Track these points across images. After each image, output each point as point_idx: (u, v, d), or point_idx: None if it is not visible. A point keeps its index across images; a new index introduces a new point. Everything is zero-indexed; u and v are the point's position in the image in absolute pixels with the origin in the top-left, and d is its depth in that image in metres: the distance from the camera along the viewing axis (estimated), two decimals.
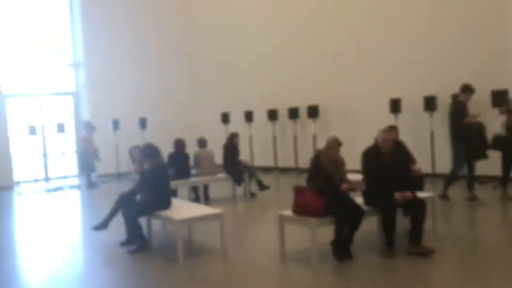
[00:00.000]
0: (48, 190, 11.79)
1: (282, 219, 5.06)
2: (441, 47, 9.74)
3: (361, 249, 5.04)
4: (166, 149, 7.34)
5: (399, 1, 10.42)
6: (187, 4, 15.73)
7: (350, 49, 11.45)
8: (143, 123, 13.33)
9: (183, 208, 5.79)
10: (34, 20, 14.01)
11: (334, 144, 4.86)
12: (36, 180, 12.92)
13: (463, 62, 9.38)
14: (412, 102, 10.14)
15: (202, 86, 15.70)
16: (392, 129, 5.05)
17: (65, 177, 12.86)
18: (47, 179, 13.49)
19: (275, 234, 5.46)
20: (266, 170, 12.87)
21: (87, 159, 12.24)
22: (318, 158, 4.89)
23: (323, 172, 4.82)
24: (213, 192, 9.59)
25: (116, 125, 13.00)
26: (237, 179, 8.97)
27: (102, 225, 6.27)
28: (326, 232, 4.88)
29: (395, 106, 10.18)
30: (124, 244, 6.11)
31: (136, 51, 14.79)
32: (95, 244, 6.27)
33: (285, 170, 12.77)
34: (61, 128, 12.28)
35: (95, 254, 5.88)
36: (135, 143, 6.90)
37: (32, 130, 11.71)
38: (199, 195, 8.88)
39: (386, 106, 10.39)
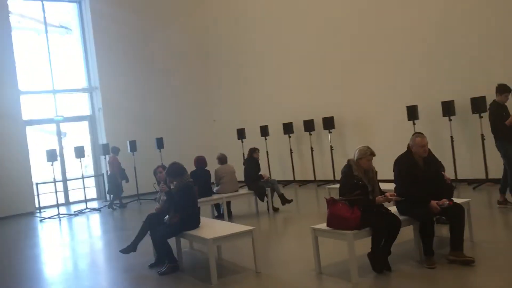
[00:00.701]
0: (70, 214, 11.79)
1: (315, 233, 4.97)
2: (457, 51, 9.67)
3: (399, 259, 4.93)
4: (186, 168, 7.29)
5: (412, 8, 10.38)
6: (199, 23, 15.88)
7: (362, 58, 11.43)
8: (160, 143, 13.35)
9: (212, 227, 5.73)
10: (50, 49, 14.21)
11: (366, 153, 4.78)
12: (57, 205, 12.92)
13: (479, 65, 9.30)
14: (429, 108, 10.05)
15: (216, 104, 15.76)
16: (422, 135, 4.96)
17: (85, 201, 12.85)
18: (68, 203, 13.54)
19: (306, 248, 5.39)
20: (285, 183, 12.80)
21: (116, 181, 12.34)
22: (349, 168, 4.82)
23: (356, 183, 4.74)
24: (235, 208, 9.54)
25: (133, 146, 13.03)
26: (260, 194, 8.91)
27: (131, 248, 6.23)
28: (360, 244, 4.79)
29: (412, 113, 10.09)
30: (153, 265, 6.05)
31: (150, 72, 14.93)
32: (123, 267, 6.22)
33: (304, 183, 12.67)
34: (79, 152, 12.31)
35: (125, 277, 5.82)
36: (158, 164, 6.87)
37: (52, 156, 11.77)
38: (222, 212, 8.84)
39: (402, 113, 10.31)
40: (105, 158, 13.00)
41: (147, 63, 14.92)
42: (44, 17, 14.32)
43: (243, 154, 13.26)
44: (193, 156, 14.09)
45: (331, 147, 11.88)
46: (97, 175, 14.25)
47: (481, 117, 8.91)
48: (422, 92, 10.26)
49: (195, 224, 5.77)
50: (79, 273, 6.47)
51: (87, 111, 14.84)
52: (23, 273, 6.69)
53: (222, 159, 9.08)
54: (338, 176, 11.48)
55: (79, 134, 15.03)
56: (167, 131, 14.32)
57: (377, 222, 4.66)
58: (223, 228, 5.63)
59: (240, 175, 9.31)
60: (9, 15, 13.28)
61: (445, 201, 4.76)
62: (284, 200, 9.09)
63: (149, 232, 6.24)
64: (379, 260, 4.70)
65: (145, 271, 5.94)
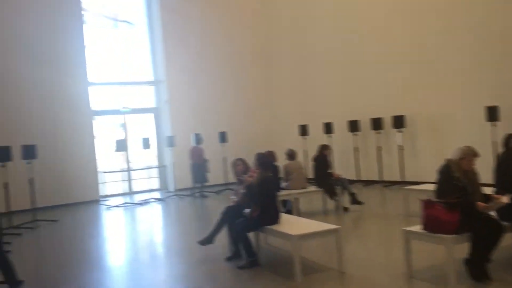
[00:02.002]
0: (135, 204, 12.06)
1: (408, 235, 4.76)
2: None
3: (499, 267, 4.62)
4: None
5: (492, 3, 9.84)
6: (263, 19, 15.79)
7: (437, 55, 10.95)
8: (223, 137, 13.40)
9: (293, 223, 5.63)
10: (117, 42, 14.59)
11: (470, 154, 4.51)
12: (124, 194, 13.28)
13: None
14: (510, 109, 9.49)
15: (279, 99, 15.62)
16: None
17: (150, 191, 13.12)
18: (132, 193, 13.86)
19: (389, 250, 5.20)
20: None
21: (200, 171, 12.65)
22: (448, 169, 4.56)
23: (456, 184, 4.47)
24: (302, 205, 9.39)
25: (199, 139, 13.12)
26: (330, 193, 8.72)
27: (208, 240, 6.24)
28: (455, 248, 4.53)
29: (492, 114, 9.56)
30: (229, 259, 6.03)
31: (214, 67, 15.00)
32: (200, 258, 6.23)
33: (368, 183, 12.34)
34: (146, 143, 12.57)
35: (202, 270, 5.82)
36: (237, 156, 6.83)
37: (120, 146, 12.09)
38: (290, 208, 8.70)
39: (480, 114, 9.80)
40: (170, 150, 13.18)
41: (212, 58, 14.99)
42: (114, 11, 14.70)
43: (305, 151, 13.12)
44: (254, 151, 14.20)
45: (401, 146, 11.48)
46: (161, 166, 14.50)
47: None
48: (504, 92, 9.70)
49: (276, 219, 5.68)
50: (156, 262, 6.56)
51: (152, 104, 15.13)
52: (105, 260, 6.86)
53: (292, 155, 8.95)
54: (408, 177, 11.28)
55: (142, 126, 15.38)
56: (229, 125, 14.35)
57: (478, 227, 4.39)
58: (307, 225, 5.51)
59: (309, 172, 9.16)
60: (82, 11, 13.70)
61: None
62: (355, 201, 8.84)
63: (226, 224, 6.23)
64: (478, 268, 4.43)
65: (222, 263, 5.93)
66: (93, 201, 12.89)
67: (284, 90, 15.50)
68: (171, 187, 14.06)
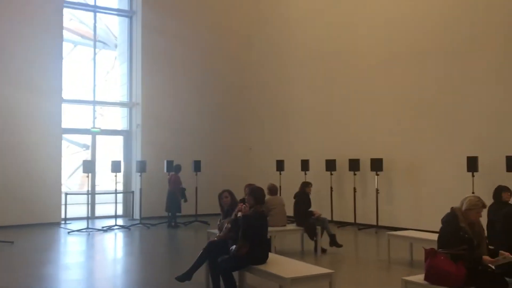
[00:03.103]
0: (99, 229, 11.37)
1: (407, 285, 4.50)
2: None
3: None
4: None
5: (472, 48, 10.08)
6: (242, 50, 15.73)
7: (419, 101, 11.07)
8: (197, 166, 13.00)
9: (283, 264, 5.28)
10: (96, 61, 14.15)
11: (478, 205, 4.35)
12: (87, 218, 12.53)
13: None
14: (491, 161, 9.59)
15: (256, 132, 15.43)
16: None
17: (115, 217, 12.45)
18: (94, 217, 13.15)
19: None
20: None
21: (176, 199, 12.32)
22: (455, 219, 4.38)
23: (463, 236, 4.29)
24: (277, 243, 9.03)
25: (170, 167, 12.68)
26: (311, 232, 8.43)
27: (186, 276, 5.81)
28: None
29: (472, 164, 9.63)
30: None
31: (192, 94, 14.75)
32: None
33: (342, 224, 12.14)
34: (116, 167, 12.00)
35: None
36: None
37: (89, 167, 11.50)
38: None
39: (459, 164, 9.88)
40: (140, 175, 12.64)
41: (191, 85, 14.73)
42: (94, 30, 14.34)
43: (280, 186, 12.84)
44: (228, 182, 13.84)
45: (377, 190, 11.41)
46: (128, 192, 13.87)
47: None
48: (483, 144, 9.82)
49: (265, 258, 5.33)
50: None
51: (124, 126, 14.62)
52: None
53: (273, 190, 8.66)
54: (382, 221, 11.15)
55: (108, 149, 14.85)
56: (204, 154, 14.00)
57: (483, 283, 4.18)
58: (297, 267, 5.17)
59: (288, 210, 8.87)
60: (63, 30, 13.31)
61: None
62: (334, 242, 8.57)
63: (208, 261, 5.82)
64: None
65: None
66: (54, 224, 12.12)
67: (261, 123, 15.33)
68: (136, 215, 13.41)
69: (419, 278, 4.45)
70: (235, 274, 5.39)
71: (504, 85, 9.63)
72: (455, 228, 4.33)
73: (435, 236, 7.36)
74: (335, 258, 8.25)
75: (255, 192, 5.42)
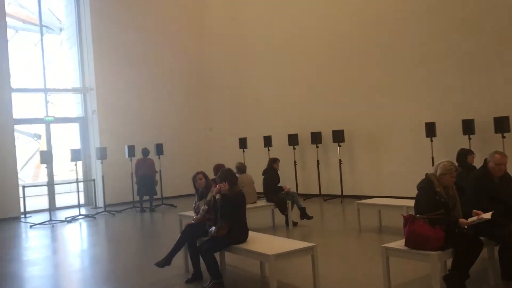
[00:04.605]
0: (62, 221, 11.03)
1: (388, 252, 4.63)
2: (477, 69, 9.64)
3: (471, 283, 4.59)
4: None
5: (429, 23, 10.32)
6: (200, 30, 15.46)
7: (377, 71, 11.29)
8: (159, 149, 12.78)
9: (263, 242, 5.32)
10: (43, 47, 13.45)
11: (451, 170, 4.49)
12: (46, 211, 12.09)
13: (502, 83, 9.27)
14: (448, 126, 9.95)
15: (217, 111, 15.31)
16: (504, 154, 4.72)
17: (78, 207, 12.11)
18: (56, 209, 12.73)
19: (362, 267, 5.04)
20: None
21: (153, 182, 12.13)
22: (430, 184, 4.52)
23: (439, 200, 4.44)
24: (249, 220, 9.06)
25: (131, 151, 12.41)
26: (281, 207, 8.52)
27: (165, 261, 5.74)
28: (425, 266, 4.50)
29: (430, 130, 9.97)
30: (190, 281, 5.59)
31: (147, 76, 14.39)
32: (155, 282, 5.69)
33: (307, 196, 12.34)
34: (76, 155, 11.60)
35: None
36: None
37: (46, 157, 11.06)
38: None
39: (417, 130, 10.21)
40: (101, 162, 12.30)
41: (146, 66, 14.35)
42: (40, 15, 13.59)
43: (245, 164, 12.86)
44: (193, 163, 13.75)
45: (340, 161, 11.63)
46: (89, 180, 13.47)
47: (503, 136, 8.88)
48: (440, 109, 10.16)
49: (245, 237, 5.34)
50: None
51: (78, 113, 14.10)
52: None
53: (241, 169, 8.64)
54: (346, 191, 11.41)
55: (66, 137, 14.35)
56: (164, 137, 13.76)
57: (461, 243, 4.37)
58: (279, 243, 5.22)
59: (258, 186, 8.90)
60: (6, 16, 12.52)
61: None
62: (305, 215, 8.71)
63: (186, 244, 5.78)
64: (459, 284, 4.41)
65: (182, 286, 5.47)
66: (14, 218, 11.66)
67: (220, 102, 15.22)
68: (100, 203, 13.09)
69: (399, 244, 4.59)
70: (216, 255, 5.37)
71: (454, 52, 9.93)
72: (432, 193, 4.48)
73: (402, 202, 7.70)
74: (307, 231, 8.40)
75: (227, 176, 5.35)
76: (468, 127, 9.41)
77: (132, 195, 12.51)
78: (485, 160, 4.84)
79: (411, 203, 7.27)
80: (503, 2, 9.28)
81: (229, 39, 14.81)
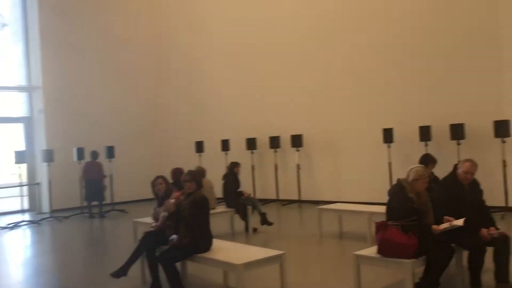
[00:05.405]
0: (4, 228, 10.26)
1: (359, 260, 4.49)
2: (434, 76, 9.81)
3: None
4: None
5: (388, 30, 10.43)
6: (157, 27, 14.96)
7: (336, 76, 11.30)
8: (110, 152, 12.20)
9: (228, 250, 5.04)
10: None
11: (424, 175, 4.41)
12: None
13: (459, 91, 9.47)
14: (405, 132, 10.06)
15: (173, 112, 14.85)
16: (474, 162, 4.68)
17: (22, 212, 11.34)
18: None
19: (326, 276, 4.88)
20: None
21: (102, 187, 11.55)
22: (402, 190, 4.41)
23: (411, 206, 4.34)
24: None
25: (80, 154, 11.77)
26: (242, 213, 8.27)
27: (121, 271, 5.34)
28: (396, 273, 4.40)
29: (387, 136, 10.06)
30: None
31: (100, 76, 13.76)
32: None
33: (265, 201, 12.14)
34: (20, 157, 10.84)
35: None
36: (157, 174, 5.97)
37: None
38: None
39: (374, 136, 10.28)
40: (47, 165, 11.57)
41: (97, 66, 13.71)
42: None
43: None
44: (146, 167, 13.26)
45: (298, 165, 11.54)
46: (33, 184, 12.65)
47: (459, 143, 9.06)
48: (397, 116, 10.26)
49: (209, 245, 5.05)
50: None
51: (23, 112, 13.25)
52: None
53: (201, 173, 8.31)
54: (304, 196, 11.32)
55: (7, 138, 13.45)
56: (117, 140, 13.18)
57: (433, 250, 4.29)
58: (246, 252, 4.96)
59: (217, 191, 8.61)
60: None
61: (494, 230, 4.53)
62: (265, 221, 8.49)
63: (145, 253, 5.40)
64: None
65: None
66: None
67: (176, 104, 14.79)
68: (46, 208, 12.32)
69: (371, 251, 4.46)
70: (177, 264, 5.05)
71: (412, 60, 10.08)
72: (404, 199, 4.38)
73: (364, 207, 7.64)
74: (267, 237, 8.18)
75: (197, 176, 5.07)
76: (425, 133, 9.54)
77: (81, 200, 11.87)
78: (455, 166, 4.80)
79: (374, 208, 7.35)
80: (461, 14, 9.50)
81: (187, 38, 14.43)
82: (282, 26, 12.25)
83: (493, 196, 7.47)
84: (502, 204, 8.57)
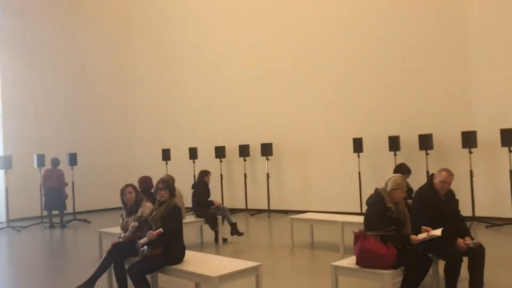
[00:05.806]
0: None
1: (337, 271, 4.39)
2: (403, 87, 9.94)
3: None
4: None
5: (358, 40, 10.52)
6: (123, 29, 14.60)
7: (305, 85, 11.30)
8: (73, 159, 11.74)
9: (202, 261, 4.84)
10: None
11: (402, 185, 4.36)
12: None
13: (426, 102, 9.62)
14: (374, 142, 10.13)
15: (138, 119, 14.49)
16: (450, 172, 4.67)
17: None
18: None
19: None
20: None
21: (63, 196, 11.10)
22: (381, 199, 4.35)
23: (390, 216, 4.28)
24: None
25: (41, 161, 11.27)
26: (211, 223, 8.05)
27: (87, 285, 5.06)
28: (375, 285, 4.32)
29: (357, 145, 10.10)
30: None
31: (61, 79, 13.27)
32: None
33: (233, 211, 11.94)
34: None
35: None
36: (123, 182, 5.71)
37: None
38: None
39: (344, 145, 10.31)
40: (5, 172, 11.01)
41: (59, 68, 13.25)
42: None
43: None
44: (110, 176, 12.86)
45: (268, 174, 11.43)
46: None
47: (427, 153, 9.17)
48: (366, 126, 10.32)
49: (182, 257, 4.83)
50: None
51: None
52: None
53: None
54: (273, 205, 11.21)
55: None
56: (78, 145, 12.73)
57: (412, 261, 4.24)
58: (220, 263, 4.77)
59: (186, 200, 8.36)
60: None
61: (470, 240, 4.53)
62: (236, 231, 8.30)
63: (112, 265, 5.13)
64: None
65: None
66: None
67: (142, 110, 14.45)
68: (2, 217, 11.70)
69: (350, 262, 4.36)
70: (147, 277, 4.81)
71: (382, 71, 10.19)
72: (382, 209, 4.31)
73: (336, 217, 7.58)
74: (238, 247, 8.00)
75: (171, 184, 4.87)
76: (394, 143, 9.62)
77: (41, 209, 11.36)
78: (432, 175, 4.79)
79: (346, 218, 7.30)
80: (428, 27, 9.68)
81: (153, 46, 14.17)
82: (251, 35, 12.18)
83: (460, 206, 7.56)
84: (469, 214, 8.70)
